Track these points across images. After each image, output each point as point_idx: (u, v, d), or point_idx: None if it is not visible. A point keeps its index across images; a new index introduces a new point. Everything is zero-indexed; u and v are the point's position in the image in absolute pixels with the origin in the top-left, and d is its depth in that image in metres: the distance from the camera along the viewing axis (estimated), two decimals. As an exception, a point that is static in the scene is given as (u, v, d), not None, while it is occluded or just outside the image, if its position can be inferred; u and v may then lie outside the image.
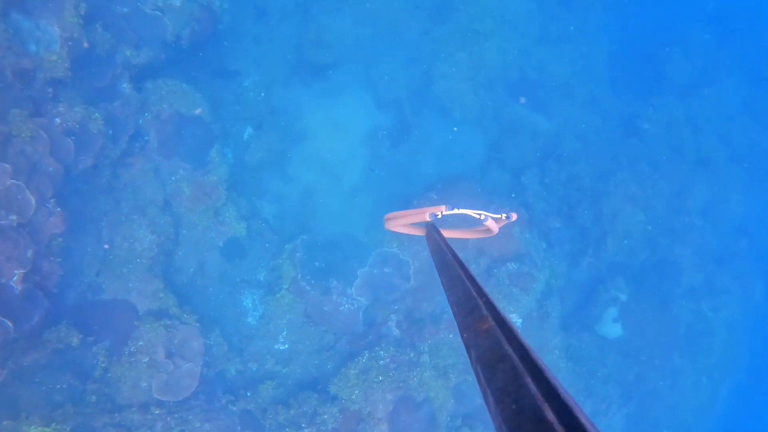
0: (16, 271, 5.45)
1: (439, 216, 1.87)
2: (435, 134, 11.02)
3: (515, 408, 0.61)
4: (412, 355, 8.83)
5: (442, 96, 10.86)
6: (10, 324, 5.23)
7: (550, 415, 0.57)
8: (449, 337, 9.32)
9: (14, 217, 5.60)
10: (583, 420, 0.57)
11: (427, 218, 1.91)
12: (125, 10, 7.73)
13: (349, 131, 10.61)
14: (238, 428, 8.53)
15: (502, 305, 9.47)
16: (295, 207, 10.22)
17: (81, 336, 6.81)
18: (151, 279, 8.14)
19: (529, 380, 0.65)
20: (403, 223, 2.08)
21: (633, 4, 13.41)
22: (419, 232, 2.10)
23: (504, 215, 2.04)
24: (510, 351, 0.74)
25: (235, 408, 8.65)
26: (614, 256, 10.99)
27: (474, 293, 1.02)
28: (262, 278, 9.89)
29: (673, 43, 12.82)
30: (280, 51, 10.85)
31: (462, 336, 0.93)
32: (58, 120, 6.52)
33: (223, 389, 8.93)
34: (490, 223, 2.00)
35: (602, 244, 10.93)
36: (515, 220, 2.02)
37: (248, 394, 8.98)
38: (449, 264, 1.28)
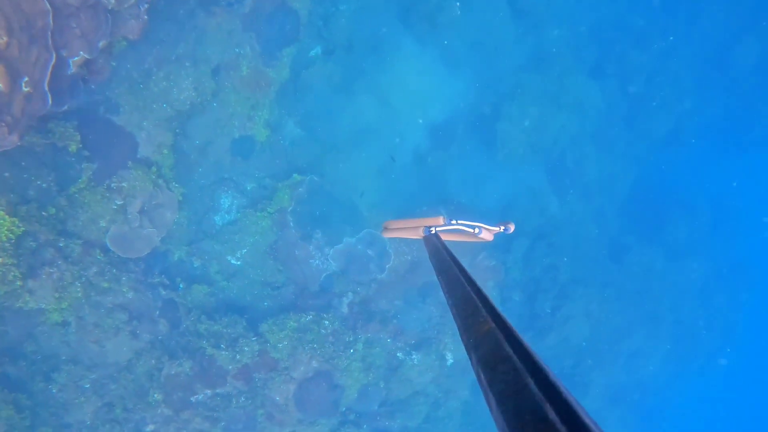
0: (81, 52, 4.75)
1: (433, 232, 1.87)
2: (470, 160, 11.11)
3: (517, 409, 0.62)
4: (351, 339, 8.80)
5: (498, 133, 10.98)
6: (50, 98, 4.53)
7: (552, 415, 0.58)
8: (387, 340, 9.39)
9: (113, 0, 4.88)
10: (585, 419, 0.57)
11: (422, 234, 1.89)
12: None
13: (405, 111, 10.41)
14: (157, 313, 8.07)
15: (452, 348, 9.70)
16: (318, 145, 9.85)
17: (81, 146, 6.13)
18: (165, 131, 7.53)
19: (530, 380, 0.65)
20: (401, 232, 2.08)
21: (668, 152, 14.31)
22: (417, 236, 2.07)
23: (502, 226, 2.09)
24: (510, 352, 0.74)
25: (164, 293, 8.17)
26: (545, 351, 11.61)
27: (473, 295, 1.00)
28: (249, 188, 9.46)
29: (681, 207, 13.84)
30: (387, -3, 10.45)
31: (462, 338, 0.92)
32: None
33: (160, 269, 8.41)
34: (484, 234, 2.07)
35: (542, 336, 11.53)
36: (513, 231, 2.14)
37: (181, 286, 8.52)
38: (448, 267, 1.26)
